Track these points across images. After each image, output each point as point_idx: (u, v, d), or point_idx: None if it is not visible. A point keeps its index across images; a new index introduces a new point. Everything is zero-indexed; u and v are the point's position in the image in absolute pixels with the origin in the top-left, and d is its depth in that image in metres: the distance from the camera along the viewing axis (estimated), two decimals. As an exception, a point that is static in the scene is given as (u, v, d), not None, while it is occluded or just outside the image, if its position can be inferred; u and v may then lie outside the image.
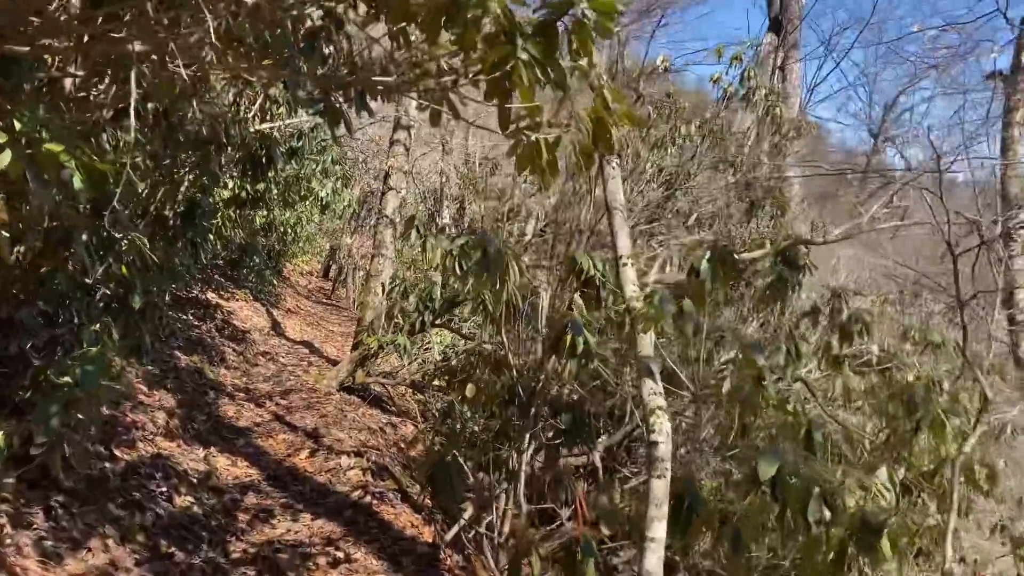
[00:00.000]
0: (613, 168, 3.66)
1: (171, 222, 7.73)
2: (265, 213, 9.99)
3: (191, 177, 7.41)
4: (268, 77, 3.93)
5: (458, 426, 7.28)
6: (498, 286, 3.95)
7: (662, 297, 3.35)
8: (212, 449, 5.63)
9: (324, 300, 18.15)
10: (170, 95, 4.25)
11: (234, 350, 9.15)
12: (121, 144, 4.79)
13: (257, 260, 11.16)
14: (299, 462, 5.84)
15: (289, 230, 13.46)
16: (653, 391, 3.36)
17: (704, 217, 6.66)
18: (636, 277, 3.56)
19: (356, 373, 8.45)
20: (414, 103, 9.91)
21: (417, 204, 16.16)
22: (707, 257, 3.69)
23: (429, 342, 10.10)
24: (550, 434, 4.81)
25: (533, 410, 4.55)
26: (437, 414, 8.34)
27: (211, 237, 9.32)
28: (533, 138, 2.58)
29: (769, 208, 5.91)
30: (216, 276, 11.93)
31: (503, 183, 13.94)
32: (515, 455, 4.73)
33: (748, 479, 3.55)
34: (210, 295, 11.33)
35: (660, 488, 3.23)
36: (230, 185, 8.75)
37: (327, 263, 22.95)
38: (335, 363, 10.75)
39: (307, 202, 11.51)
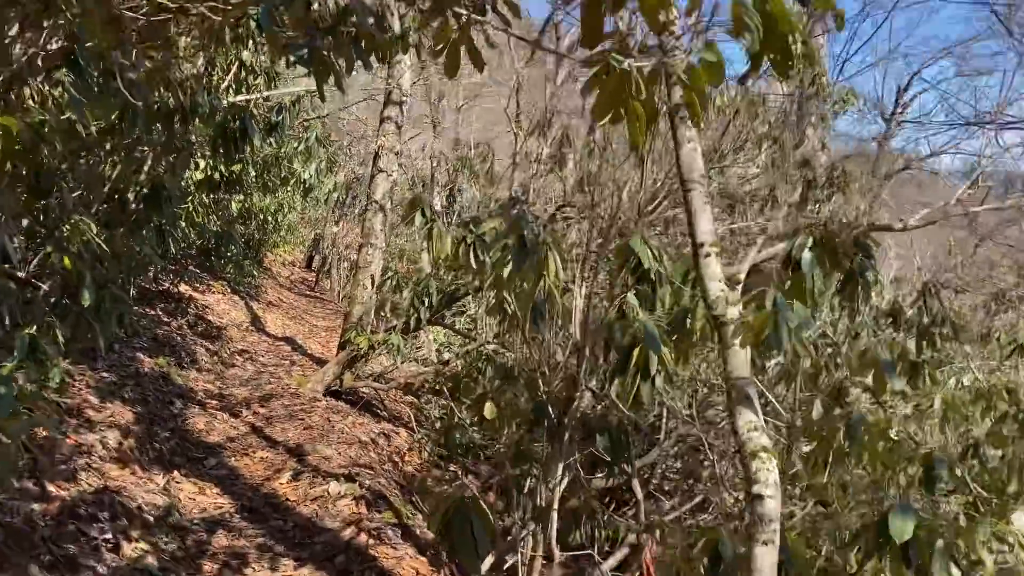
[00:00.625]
0: (689, 129, 2.80)
1: (133, 206, 6.83)
2: (242, 198, 9.05)
3: (154, 153, 6.50)
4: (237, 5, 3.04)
5: (458, 436, 6.41)
6: (527, 283, 3.09)
7: (777, 301, 2.51)
8: (175, 474, 4.74)
9: (307, 292, 17.19)
10: (110, 40, 3.34)
11: (208, 349, 8.23)
12: (50, 101, 3.88)
13: (235, 249, 10.21)
14: (280, 487, 4.96)
15: (269, 218, 12.56)
16: (753, 426, 2.51)
17: (743, 199, 5.81)
18: (722, 272, 2.71)
19: (344, 376, 7.56)
20: (408, 75, 9.02)
21: (405, 190, 15.25)
22: (809, 244, 2.84)
23: (421, 343, 9.25)
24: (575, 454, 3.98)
25: (567, 435, 3.70)
26: (434, 420, 7.47)
27: (182, 224, 8.39)
28: (625, 65, 1.72)
29: (827, 189, 5.09)
30: (191, 267, 10.98)
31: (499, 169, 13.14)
32: (543, 488, 3.88)
33: (870, 537, 2.72)
34: (183, 288, 10.39)
35: (767, 559, 2.39)
36: (202, 166, 7.81)
37: (310, 253, 21.99)
38: (320, 362, 9.85)
39: (288, 186, 10.59)
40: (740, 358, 2.61)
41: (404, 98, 8.73)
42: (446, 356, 8.33)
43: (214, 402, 6.54)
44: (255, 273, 14.05)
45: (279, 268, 18.82)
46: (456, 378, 5.82)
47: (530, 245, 2.87)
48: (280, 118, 7.09)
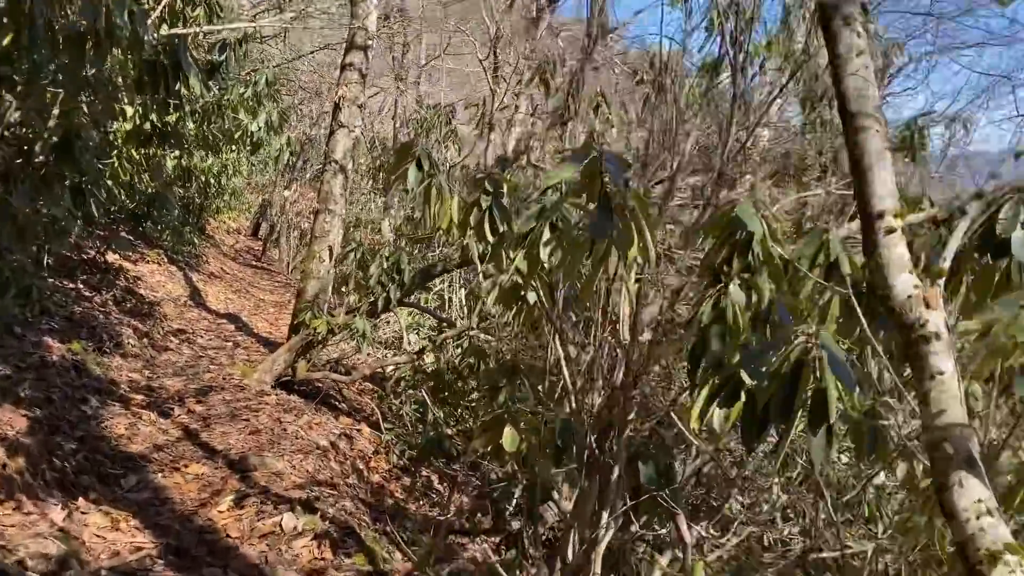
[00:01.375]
0: (858, 34, 1.82)
1: (40, 158, 5.69)
2: (178, 155, 7.80)
3: (66, 93, 5.37)
4: None
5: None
6: (598, 262, 2.10)
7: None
8: (81, 502, 3.65)
9: (254, 262, 15.87)
10: None
11: (136, 330, 7.05)
12: None
13: (171, 214, 8.94)
14: (218, 516, 3.90)
15: (212, 180, 11.30)
16: (984, 509, 1.58)
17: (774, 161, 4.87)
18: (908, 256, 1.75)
19: (297, 364, 6.47)
20: (374, 15, 7.84)
21: (365, 151, 14.04)
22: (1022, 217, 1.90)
23: (388, 328, 8.20)
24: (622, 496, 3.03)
25: (616, 471, 2.74)
26: (405, 417, 6.46)
27: (107, 183, 7.15)
28: None
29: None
30: (123, 233, 9.67)
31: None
32: (573, 536, 2.91)
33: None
34: (111, 257, 9.12)
35: None
36: (129, 113, 6.58)
37: (256, 220, 20.63)
38: (268, 343, 8.72)
39: (233, 143, 9.33)
40: (951, 393, 1.67)
41: (369, 42, 7.57)
42: (416, 342, 7.28)
43: (140, 397, 5.41)
44: (195, 241, 12.75)
45: (223, 236, 17.44)
46: (439, 375, 4.80)
47: (615, 207, 1.87)
48: (224, 57, 5.90)
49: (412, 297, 6.66)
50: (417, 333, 7.72)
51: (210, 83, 6.16)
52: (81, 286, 7.43)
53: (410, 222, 11.65)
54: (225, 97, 6.37)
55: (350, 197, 15.41)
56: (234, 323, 9.73)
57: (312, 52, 12.17)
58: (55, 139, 5.25)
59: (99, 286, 7.72)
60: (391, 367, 6.44)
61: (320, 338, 6.42)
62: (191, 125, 8.11)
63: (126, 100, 6.10)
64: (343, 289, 6.62)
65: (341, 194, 7.79)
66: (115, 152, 6.92)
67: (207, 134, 8.74)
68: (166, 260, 11.11)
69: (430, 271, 6.24)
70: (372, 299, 6.27)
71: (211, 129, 8.57)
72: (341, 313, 6.44)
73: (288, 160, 15.21)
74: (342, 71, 7.71)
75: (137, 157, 7.28)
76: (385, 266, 6.19)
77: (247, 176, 14.05)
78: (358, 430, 6.19)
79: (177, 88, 4.94)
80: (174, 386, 5.93)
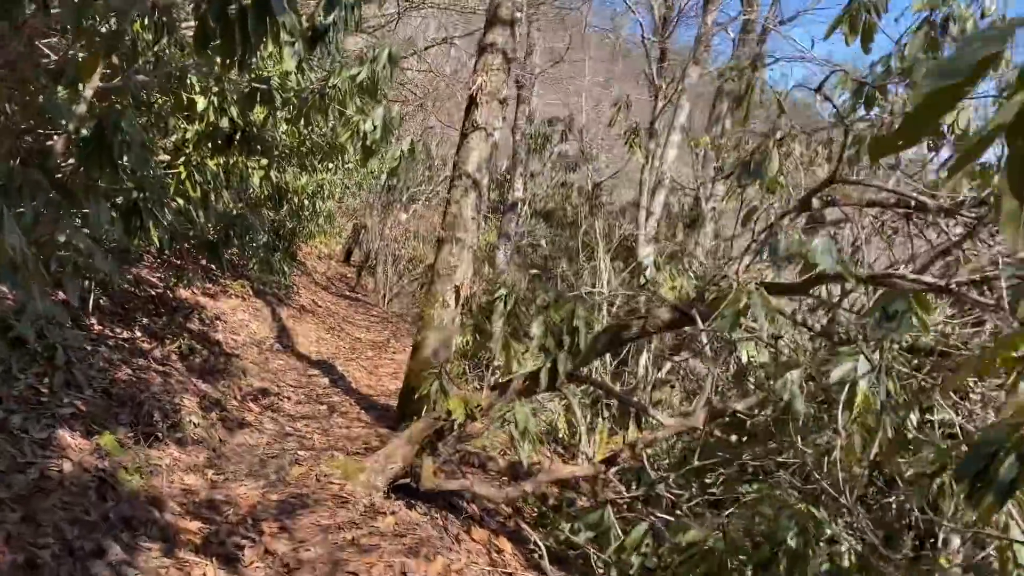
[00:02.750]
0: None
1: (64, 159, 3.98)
2: (265, 164, 6.01)
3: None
4: None
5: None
6: None
7: None
8: None
9: (347, 292, 14.18)
10: None
11: (204, 398, 5.24)
12: None
13: (255, 239, 7.18)
14: None
15: (306, 201, 9.65)
16: None
17: None
18: None
19: (421, 462, 4.49)
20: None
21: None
22: None
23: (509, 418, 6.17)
24: None
25: None
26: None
27: (178, 201, 5.41)
28: None
29: None
30: (202, 261, 8.00)
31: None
32: None
33: None
34: (183, 292, 7.46)
35: None
36: (200, 105, 4.81)
37: (349, 245, 19.14)
38: (370, 405, 6.84)
39: (335, 156, 7.56)
40: None
41: (518, 14, 5.64)
42: (596, 444, 5.19)
43: (194, 527, 3.51)
44: (286, 270, 11.08)
45: (314, 262, 15.91)
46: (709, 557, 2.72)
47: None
48: (331, 20, 4.02)
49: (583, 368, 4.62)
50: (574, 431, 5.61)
51: (310, 58, 4.33)
52: (139, 334, 5.69)
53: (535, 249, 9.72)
54: (331, 82, 4.55)
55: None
56: (328, 374, 7.91)
57: (429, 47, 10.34)
58: (90, 128, 3.49)
59: (163, 333, 5.98)
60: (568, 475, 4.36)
61: (453, 425, 4.44)
62: (284, 127, 6.34)
63: (192, 78, 4.31)
64: (487, 344, 4.62)
65: (473, 218, 5.87)
66: (182, 159, 5.16)
67: (305, 139, 6.97)
68: (251, 293, 9.46)
69: (620, 333, 4.19)
70: (532, 371, 4.27)
71: (311, 133, 6.80)
72: (482, 390, 4.44)
73: (399, 176, 13.53)
74: (480, 55, 5.79)
75: (214, 167, 5.51)
76: (554, 321, 4.20)
77: (339, 199, 12.40)
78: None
79: (261, 50, 3.10)
80: (248, 497, 4.02)
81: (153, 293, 6.86)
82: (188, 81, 4.60)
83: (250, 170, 6.08)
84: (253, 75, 4.93)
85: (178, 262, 7.42)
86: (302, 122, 5.13)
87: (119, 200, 4.28)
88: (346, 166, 11.40)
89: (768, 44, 10.72)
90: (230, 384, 5.91)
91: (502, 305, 4.46)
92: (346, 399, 6.97)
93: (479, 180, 5.76)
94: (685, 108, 9.35)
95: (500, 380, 4.59)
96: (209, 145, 5.22)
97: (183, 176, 5.26)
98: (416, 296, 13.47)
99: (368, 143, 4.86)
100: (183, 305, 7.18)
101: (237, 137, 5.21)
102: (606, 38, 21.46)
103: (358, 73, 4.54)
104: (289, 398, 6.42)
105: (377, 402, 7.12)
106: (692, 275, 5.53)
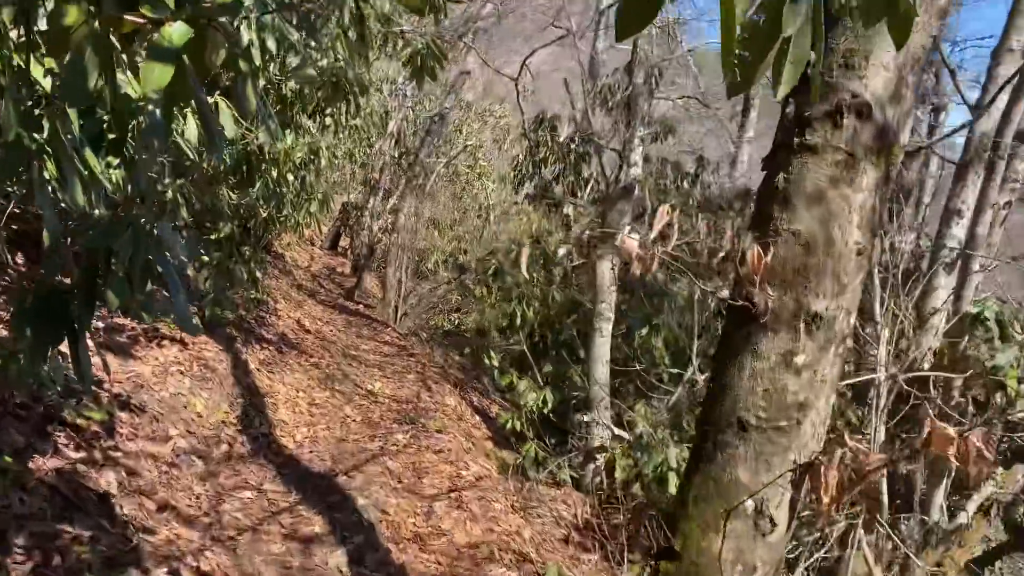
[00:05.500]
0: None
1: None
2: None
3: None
4: None
5: None
6: None
7: None
8: None
9: (342, 300, 10.34)
10: None
11: None
12: None
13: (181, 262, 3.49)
14: None
15: (291, 176, 6.02)
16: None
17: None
18: None
19: None
20: None
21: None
22: None
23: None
24: None
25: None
26: None
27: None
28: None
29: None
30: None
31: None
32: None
33: None
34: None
35: None
36: None
37: (336, 228, 15.34)
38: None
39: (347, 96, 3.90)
40: None
41: None
42: None
43: None
44: (258, 277, 7.25)
45: (294, 253, 12.11)
46: None
47: None
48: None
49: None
50: None
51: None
52: None
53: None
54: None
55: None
56: (337, 524, 4.23)
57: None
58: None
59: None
60: None
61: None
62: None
63: None
64: None
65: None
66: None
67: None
68: (199, 328, 5.72)
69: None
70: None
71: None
72: None
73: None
74: None
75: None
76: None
77: (352, 150, 8.57)
78: None
79: None
80: None
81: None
82: None
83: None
84: None
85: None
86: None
87: None
88: (352, 121, 7.69)
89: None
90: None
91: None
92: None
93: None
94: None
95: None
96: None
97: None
98: (438, 309, 9.66)
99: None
100: (44, 403, 3.48)
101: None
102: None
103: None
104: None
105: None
106: None
